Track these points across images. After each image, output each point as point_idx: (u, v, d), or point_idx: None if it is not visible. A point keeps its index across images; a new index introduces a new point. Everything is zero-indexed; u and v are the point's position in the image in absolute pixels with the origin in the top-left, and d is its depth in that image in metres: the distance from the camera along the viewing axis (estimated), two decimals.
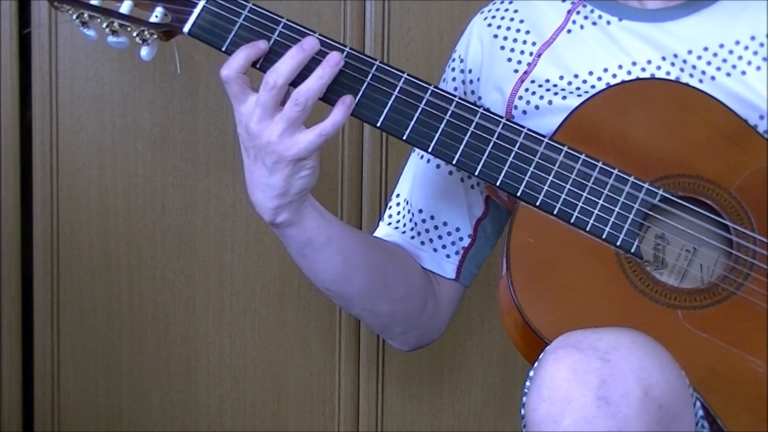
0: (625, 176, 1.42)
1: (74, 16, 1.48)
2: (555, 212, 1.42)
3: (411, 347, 1.66)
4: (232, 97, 1.43)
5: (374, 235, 1.66)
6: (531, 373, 1.32)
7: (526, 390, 1.32)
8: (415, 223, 1.64)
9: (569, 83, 1.53)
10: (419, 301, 1.60)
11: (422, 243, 1.63)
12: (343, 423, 2.09)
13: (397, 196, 1.67)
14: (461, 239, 1.63)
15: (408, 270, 1.60)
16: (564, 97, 1.52)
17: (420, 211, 1.64)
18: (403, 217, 1.65)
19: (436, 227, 1.63)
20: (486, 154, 1.44)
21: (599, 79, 1.52)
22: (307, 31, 1.46)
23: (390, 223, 1.66)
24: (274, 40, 1.46)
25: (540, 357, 1.30)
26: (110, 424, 2.09)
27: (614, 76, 1.52)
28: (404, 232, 1.64)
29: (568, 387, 1.24)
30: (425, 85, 1.46)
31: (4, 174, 2.02)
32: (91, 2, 1.48)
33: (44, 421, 2.09)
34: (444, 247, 1.63)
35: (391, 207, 1.67)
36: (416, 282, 1.60)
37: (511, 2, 1.62)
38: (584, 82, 1.53)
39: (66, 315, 2.07)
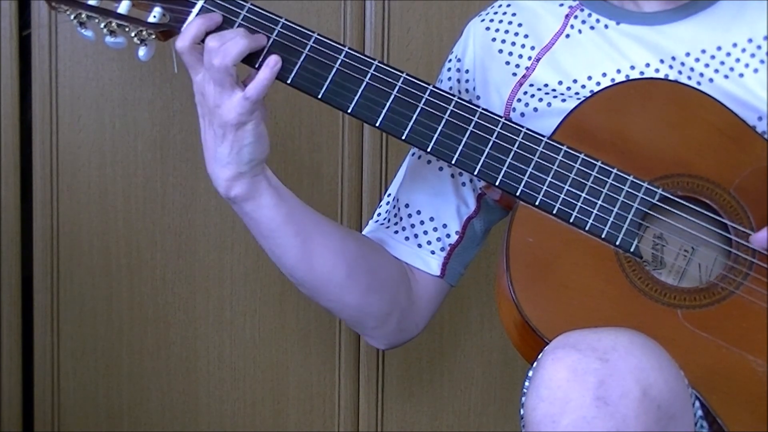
0: (625, 176, 1.42)
1: (72, 17, 1.48)
2: (554, 212, 1.42)
3: (387, 345, 1.65)
4: (188, 67, 1.45)
5: (361, 233, 1.66)
6: (530, 373, 1.32)
7: (525, 390, 1.32)
8: (401, 218, 1.63)
9: (568, 88, 1.53)
10: (392, 295, 1.59)
11: (406, 238, 1.63)
12: (343, 423, 2.09)
13: (388, 195, 1.68)
14: (448, 236, 1.62)
15: (380, 261, 1.59)
16: (563, 100, 1.52)
17: (407, 205, 1.63)
18: (388, 212, 1.65)
19: (422, 222, 1.62)
20: (485, 154, 1.44)
21: (597, 83, 1.52)
22: (306, 31, 1.46)
23: (377, 221, 1.67)
24: (272, 39, 1.46)
25: (539, 357, 1.30)
26: (110, 424, 2.09)
27: (613, 80, 1.52)
28: (388, 227, 1.64)
29: (567, 387, 1.24)
30: (424, 84, 1.46)
31: (4, 174, 2.02)
32: (89, 2, 1.48)
33: (44, 421, 2.09)
34: (429, 243, 1.62)
35: (381, 206, 1.68)
36: (389, 276, 1.59)
37: (509, 6, 1.62)
38: (583, 86, 1.53)
39: (66, 315, 2.07)
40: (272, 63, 1.45)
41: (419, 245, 1.62)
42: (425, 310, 1.64)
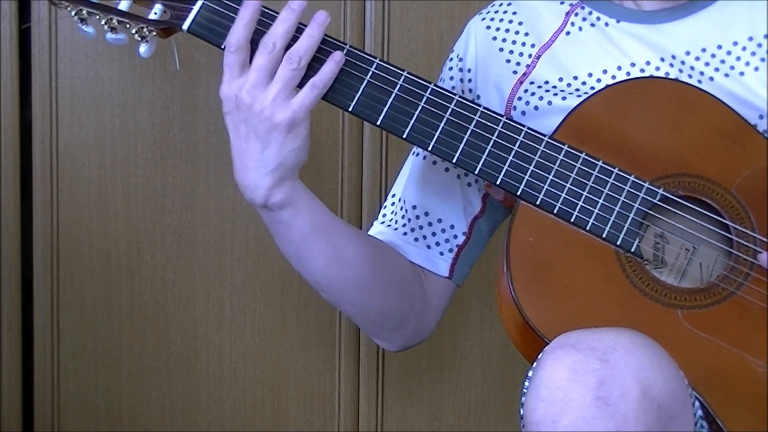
0: (626, 175, 1.42)
1: (73, 13, 1.48)
2: (555, 211, 1.42)
3: (400, 347, 1.65)
4: (230, 68, 1.43)
5: (368, 234, 1.66)
6: (530, 373, 1.32)
7: (525, 390, 1.32)
8: (409, 219, 1.63)
9: (568, 85, 1.53)
10: (409, 298, 1.59)
11: (415, 240, 1.63)
12: (343, 423, 2.09)
13: (393, 196, 1.67)
14: (456, 237, 1.62)
15: (397, 265, 1.59)
16: (564, 98, 1.52)
17: (414, 207, 1.63)
18: (396, 214, 1.65)
19: (430, 224, 1.63)
20: (486, 153, 1.44)
21: (598, 80, 1.52)
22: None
23: (384, 222, 1.66)
24: None
25: (539, 357, 1.30)
26: (110, 424, 2.09)
27: (613, 77, 1.52)
28: (396, 229, 1.64)
29: (567, 387, 1.24)
30: (425, 83, 1.46)
31: (4, 174, 2.02)
32: None
33: (44, 421, 2.09)
34: (438, 244, 1.62)
35: (385, 206, 1.67)
36: (405, 278, 1.59)
37: (509, 4, 1.62)
38: (583, 83, 1.53)
39: (66, 315, 2.07)
40: (338, 57, 1.44)
41: (428, 246, 1.62)
42: (436, 310, 1.64)
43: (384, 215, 1.67)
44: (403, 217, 1.64)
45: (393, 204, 1.66)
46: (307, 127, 1.44)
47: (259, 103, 1.41)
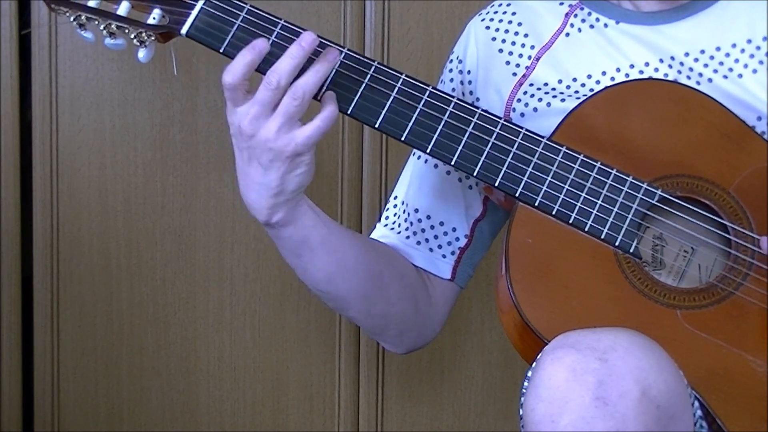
0: (624, 176, 1.42)
1: (71, 19, 1.48)
2: (553, 213, 1.42)
3: (406, 350, 1.66)
4: (230, 101, 1.43)
5: (370, 236, 1.66)
6: (529, 373, 1.32)
7: (524, 390, 1.33)
8: (411, 223, 1.63)
9: (568, 86, 1.53)
10: (413, 302, 1.60)
11: (418, 243, 1.63)
12: (343, 423, 2.09)
13: (395, 198, 1.67)
14: (457, 239, 1.63)
15: (402, 271, 1.60)
16: (563, 100, 1.52)
17: (416, 210, 1.64)
18: (399, 217, 1.65)
19: (432, 227, 1.63)
20: (484, 155, 1.44)
21: (597, 82, 1.52)
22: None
23: (386, 225, 1.66)
24: (272, 41, 1.46)
25: (538, 357, 1.30)
26: (110, 424, 2.09)
27: (612, 78, 1.52)
28: (399, 233, 1.64)
29: (566, 387, 1.24)
30: (423, 85, 1.46)
31: (4, 174, 2.02)
32: (89, 4, 1.48)
33: (44, 421, 2.09)
34: (440, 247, 1.63)
35: (388, 209, 1.68)
36: (410, 283, 1.60)
37: (509, 5, 1.62)
38: (582, 85, 1.53)
39: (66, 315, 2.07)
40: (333, 95, 1.44)
41: (430, 249, 1.63)
42: (440, 313, 1.65)
43: (387, 218, 1.67)
44: (405, 220, 1.64)
45: (395, 206, 1.66)
46: (311, 155, 1.44)
47: (263, 133, 1.41)
